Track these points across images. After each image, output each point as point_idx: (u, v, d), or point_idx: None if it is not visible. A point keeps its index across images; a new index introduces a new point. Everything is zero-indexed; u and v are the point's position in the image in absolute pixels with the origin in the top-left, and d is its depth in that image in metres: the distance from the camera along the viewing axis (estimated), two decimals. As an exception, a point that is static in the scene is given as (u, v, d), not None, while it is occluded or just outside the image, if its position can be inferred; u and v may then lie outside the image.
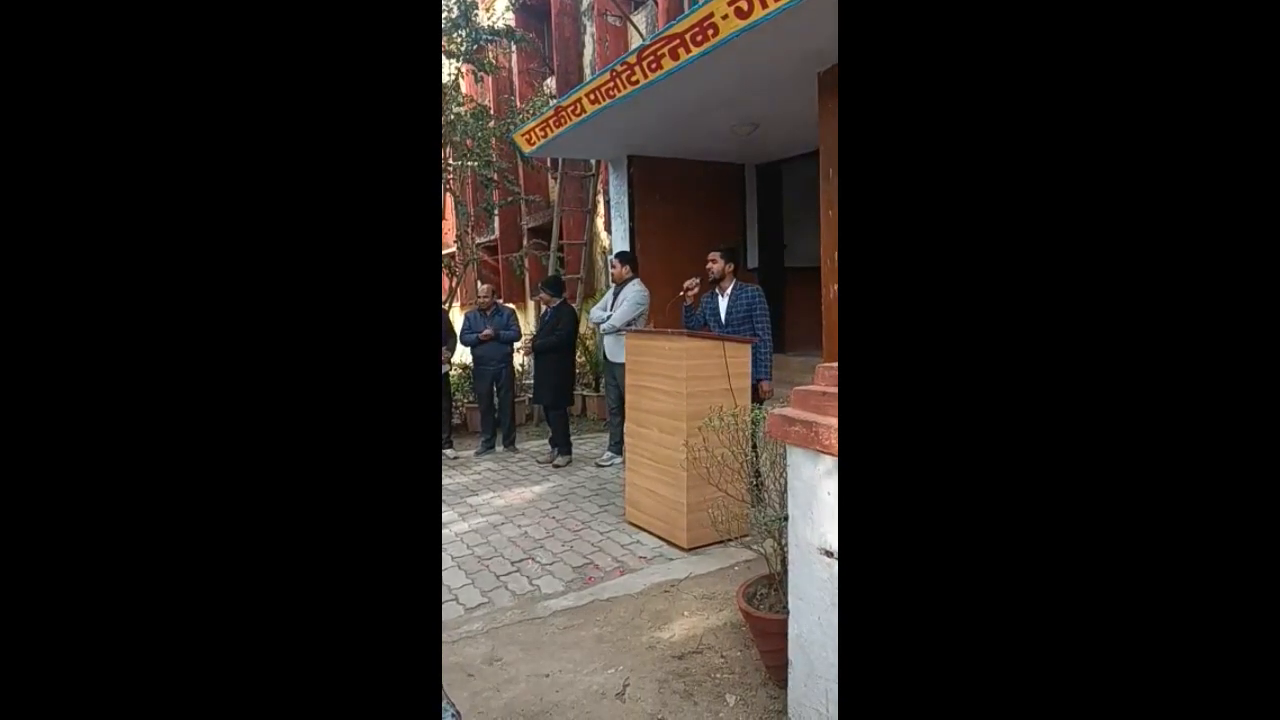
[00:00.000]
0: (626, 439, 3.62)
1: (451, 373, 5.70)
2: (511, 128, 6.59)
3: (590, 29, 7.56)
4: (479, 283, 5.79)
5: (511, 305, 6.32)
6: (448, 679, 2.12)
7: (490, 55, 7.28)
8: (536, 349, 4.98)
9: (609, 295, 4.74)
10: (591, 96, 4.19)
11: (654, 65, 3.53)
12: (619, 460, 4.68)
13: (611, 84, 3.93)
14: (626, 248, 5.68)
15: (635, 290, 4.49)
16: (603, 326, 4.59)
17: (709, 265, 3.75)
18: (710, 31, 3.09)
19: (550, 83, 8.10)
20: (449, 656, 2.31)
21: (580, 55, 7.76)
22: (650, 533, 3.38)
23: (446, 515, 3.90)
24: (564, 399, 5.01)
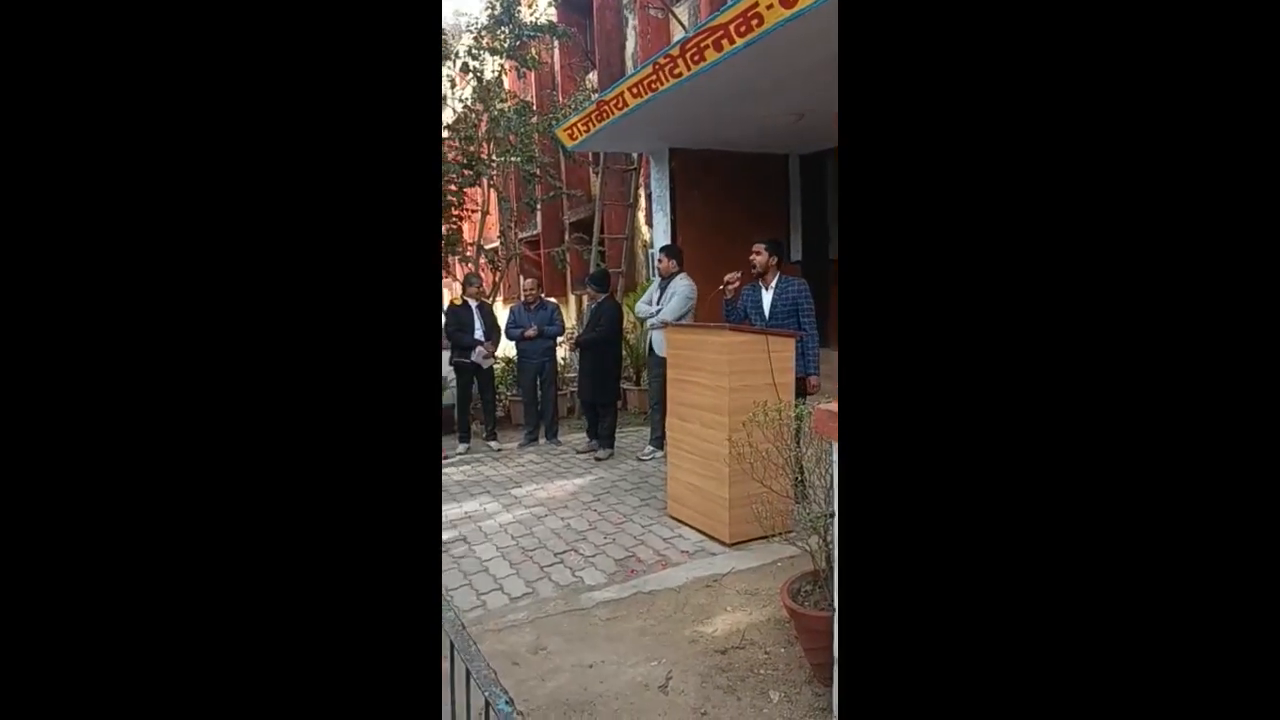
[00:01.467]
0: (669, 433, 3.62)
1: (495, 366, 5.80)
2: (554, 122, 6.64)
3: (633, 22, 7.55)
4: (521, 277, 5.86)
5: (555, 300, 6.37)
6: (494, 666, 2.16)
7: (533, 51, 7.33)
8: (581, 343, 5.02)
9: (653, 289, 4.74)
10: (634, 90, 4.19)
11: (697, 57, 3.50)
12: (660, 454, 4.68)
13: (654, 77, 3.92)
14: (668, 241, 5.67)
15: (685, 284, 4.48)
16: (651, 321, 4.59)
17: (753, 257, 3.71)
18: (755, 22, 3.05)
19: (592, 77, 8.12)
20: (495, 644, 2.36)
21: (622, 49, 7.75)
22: (692, 527, 3.38)
23: (491, 505, 3.97)
24: (610, 393, 5.04)
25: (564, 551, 3.22)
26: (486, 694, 0.98)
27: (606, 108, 4.56)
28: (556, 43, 7.75)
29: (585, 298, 5.34)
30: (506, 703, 0.93)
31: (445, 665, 1.28)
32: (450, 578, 2.95)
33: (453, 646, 1.17)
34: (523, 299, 5.54)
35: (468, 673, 1.07)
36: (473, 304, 5.51)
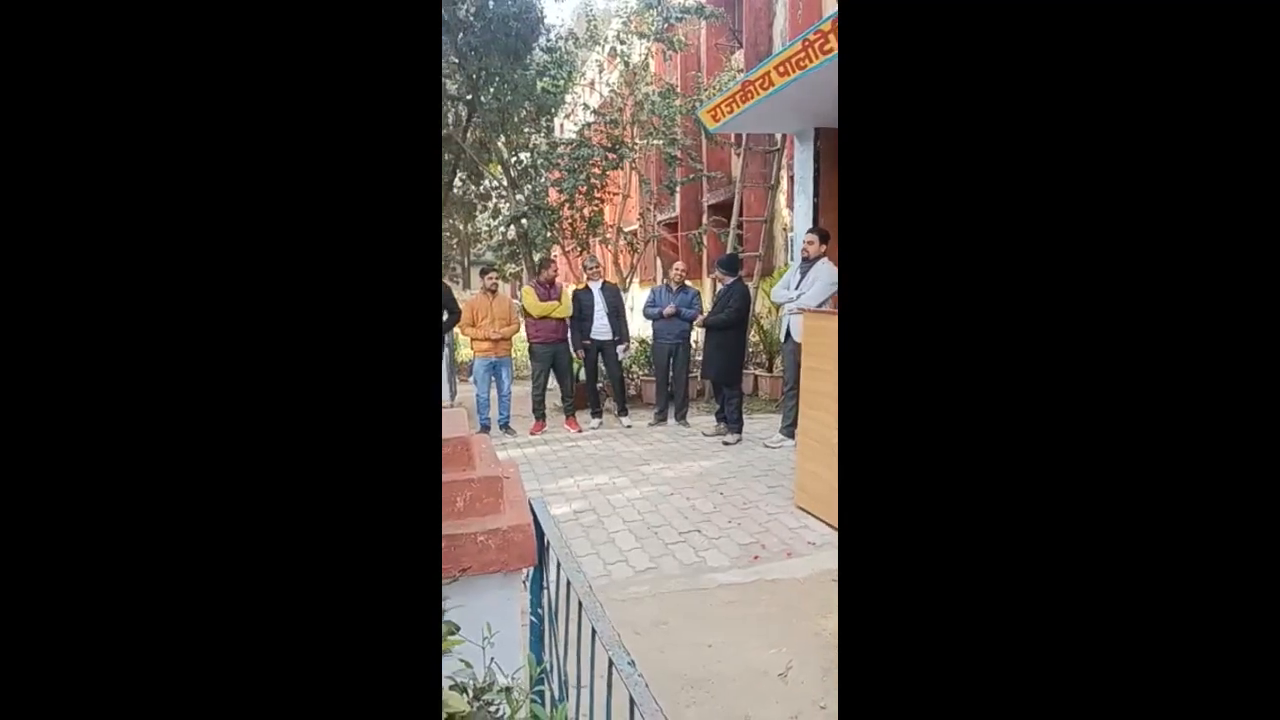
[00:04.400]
0: (800, 421, 3.54)
1: (631, 348, 6.02)
2: (698, 104, 6.62)
3: (782, -2, 7.32)
4: (658, 260, 5.97)
5: (696, 287, 6.42)
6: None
7: (680, 33, 7.33)
8: (707, 324, 5.05)
9: (791, 274, 4.63)
10: (780, 69, 4.07)
11: (850, 31, 3.34)
12: (790, 443, 4.59)
13: (803, 54, 3.79)
14: (810, 224, 5.50)
15: (828, 269, 4.34)
16: (787, 306, 4.51)
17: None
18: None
19: (738, 56, 7.99)
20: (617, 613, 2.45)
21: (770, 26, 7.55)
22: (820, 519, 3.29)
23: (620, 480, 4.10)
24: (733, 377, 5.02)
25: (688, 531, 3.26)
26: (611, 653, 1.02)
27: (751, 88, 4.48)
28: (704, 23, 7.69)
29: (716, 280, 5.35)
30: (630, 663, 0.96)
31: (572, 627, 1.36)
32: (578, 545, 3.09)
33: (580, 606, 1.23)
34: (668, 281, 5.66)
35: (594, 631, 1.13)
36: (595, 286, 5.69)
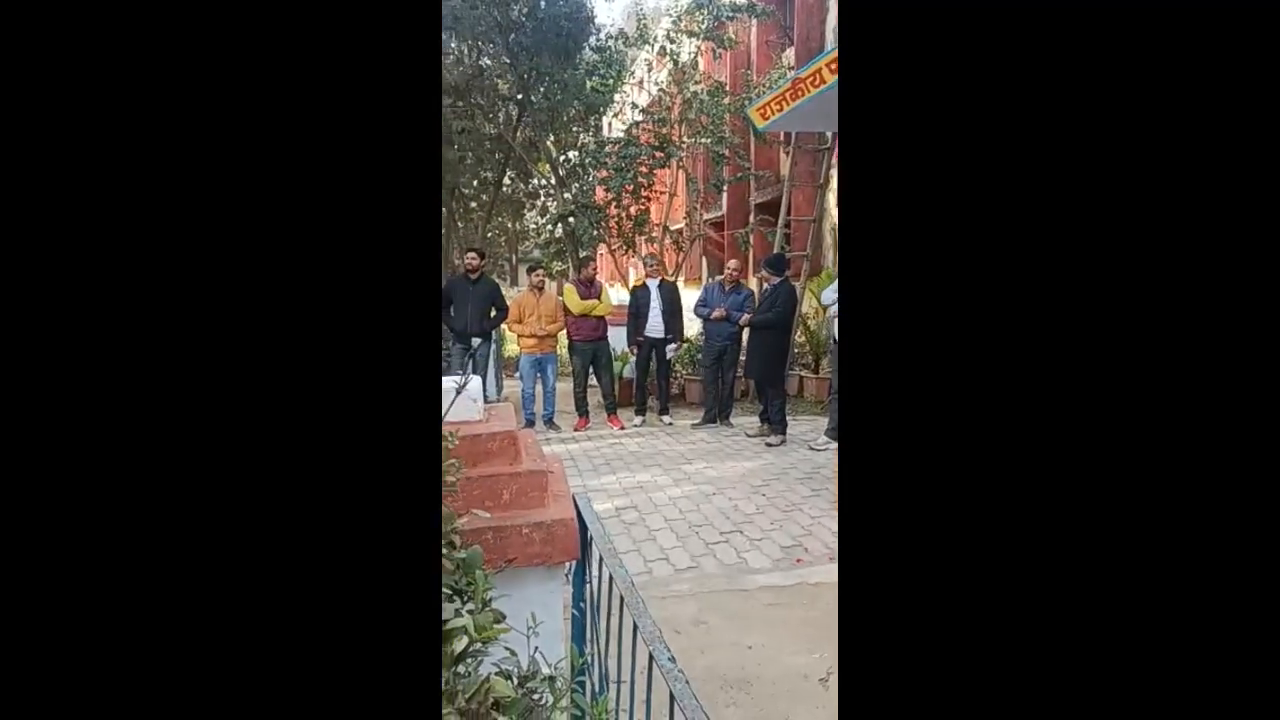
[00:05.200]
0: (846, 424, 3.49)
1: (681, 348, 6.06)
2: (747, 102, 6.57)
3: (835, -7, 7.20)
4: (704, 259, 5.97)
5: (750, 287, 6.40)
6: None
7: (730, 31, 7.29)
8: (753, 324, 5.02)
9: (840, 275, 4.56)
10: (833, 66, 4.02)
11: (906, 26, 3.27)
12: (834, 446, 4.52)
13: (856, 50, 3.72)
14: (859, 225, 5.41)
15: None
16: (835, 309, 4.44)
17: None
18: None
19: (789, 54, 7.89)
20: (657, 611, 2.46)
21: (823, 22, 7.44)
22: (865, 524, 3.24)
23: (662, 479, 4.11)
24: (777, 377, 4.98)
25: (730, 532, 3.25)
26: (652, 649, 1.03)
27: (802, 85, 4.42)
28: (754, 21, 7.62)
29: (762, 280, 5.31)
30: (670, 659, 0.97)
31: (614, 621, 1.37)
32: (620, 542, 3.12)
33: (622, 601, 1.25)
34: (720, 280, 5.65)
35: (635, 626, 1.14)
36: (652, 284, 5.71)
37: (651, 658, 1.03)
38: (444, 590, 0.90)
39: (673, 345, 5.76)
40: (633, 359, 5.89)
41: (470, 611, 0.89)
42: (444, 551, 0.91)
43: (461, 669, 0.83)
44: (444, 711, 0.71)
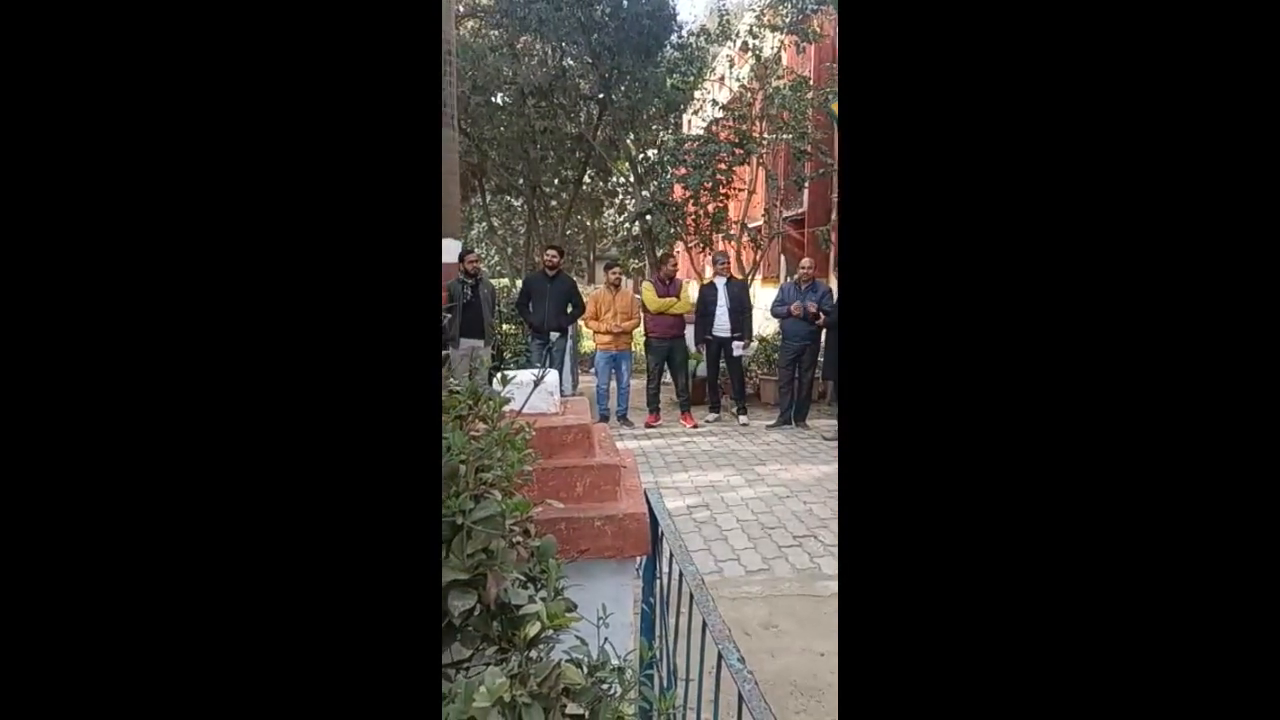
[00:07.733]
0: (929, 430, 3.35)
1: (751, 346, 5.98)
2: (830, 96, 6.41)
3: (928, -19, 6.91)
4: (782, 257, 5.87)
5: (827, 284, 6.25)
6: (725, 631, 2.24)
7: (814, 24, 7.12)
8: (831, 324, 4.90)
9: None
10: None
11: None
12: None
13: (949, 40, 3.56)
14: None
15: None
16: None
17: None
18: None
19: (876, 46, 7.63)
20: (727, 611, 2.44)
21: (913, 12, 7.15)
22: (947, 534, 3.11)
23: (735, 479, 4.07)
24: None
25: (804, 536, 3.19)
26: (720, 648, 1.03)
27: (890, 77, 4.27)
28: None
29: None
30: (740, 660, 0.96)
31: (683, 619, 1.37)
32: (690, 540, 3.11)
33: (691, 598, 1.25)
34: (795, 279, 5.56)
35: (704, 624, 1.14)
36: (720, 282, 5.66)
37: (720, 657, 1.02)
38: (518, 577, 0.92)
39: (740, 344, 5.68)
40: (703, 358, 5.87)
41: (543, 599, 0.92)
42: (519, 539, 0.93)
43: (534, 654, 0.85)
44: (517, 694, 0.73)
